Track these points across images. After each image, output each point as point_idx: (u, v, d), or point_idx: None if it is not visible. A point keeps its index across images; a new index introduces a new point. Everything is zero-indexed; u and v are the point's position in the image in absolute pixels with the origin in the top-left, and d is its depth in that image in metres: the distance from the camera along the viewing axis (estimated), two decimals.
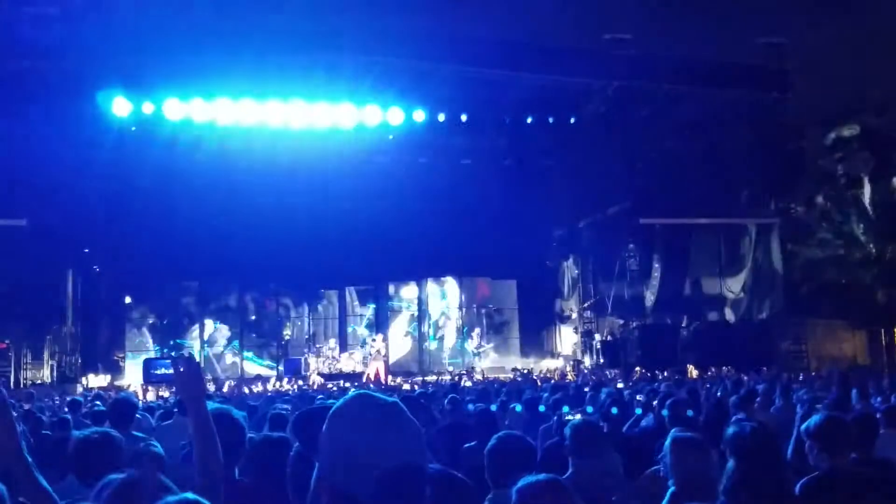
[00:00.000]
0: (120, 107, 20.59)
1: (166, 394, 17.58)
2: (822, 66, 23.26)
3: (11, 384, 20.01)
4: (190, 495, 2.09)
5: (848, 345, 25.11)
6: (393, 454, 1.56)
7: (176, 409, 8.45)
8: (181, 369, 2.76)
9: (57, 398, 15.13)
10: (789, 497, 3.40)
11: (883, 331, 24.95)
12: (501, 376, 21.95)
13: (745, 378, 14.75)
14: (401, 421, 1.62)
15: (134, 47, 19.54)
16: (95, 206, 22.26)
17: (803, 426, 4.29)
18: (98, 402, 10.28)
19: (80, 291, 23.29)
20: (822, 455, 4.05)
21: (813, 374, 16.13)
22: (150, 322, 25.97)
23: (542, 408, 7.97)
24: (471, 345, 25.40)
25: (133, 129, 21.30)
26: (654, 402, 7.85)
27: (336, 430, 1.59)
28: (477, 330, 25.83)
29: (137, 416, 7.19)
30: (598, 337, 26.12)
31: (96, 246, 23.88)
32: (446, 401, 7.65)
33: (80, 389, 19.75)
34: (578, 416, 5.56)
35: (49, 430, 8.10)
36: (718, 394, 10.65)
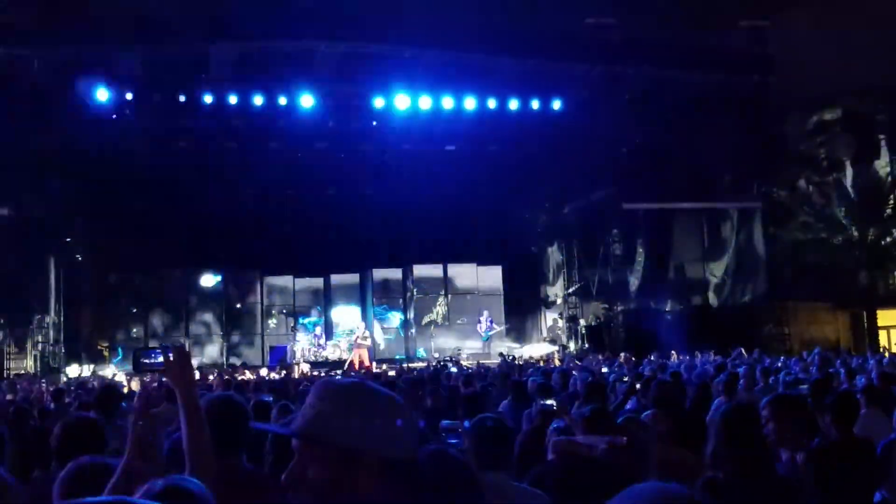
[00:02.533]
0: (100, 94, 20.40)
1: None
2: (804, 50, 23.32)
3: None
4: (179, 477, 2.11)
5: (830, 327, 25.34)
6: (416, 422, 1.86)
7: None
8: (171, 358, 2.81)
9: (43, 384, 15.07)
10: (767, 471, 3.49)
11: (865, 313, 25.22)
12: (487, 362, 22.00)
13: (727, 361, 14.88)
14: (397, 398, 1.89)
15: (115, 34, 19.36)
16: (77, 194, 22.11)
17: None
18: (81, 391, 10.26)
19: (63, 280, 23.12)
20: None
21: (794, 357, 16.26)
22: (134, 311, 25.84)
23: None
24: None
25: (114, 116, 21.10)
26: (638, 386, 7.93)
27: (374, 408, 1.78)
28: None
29: (123, 404, 7.19)
30: (582, 322, 26.25)
31: (78, 234, 23.73)
32: (426, 387, 7.68)
33: (64, 379, 19.66)
34: (551, 402, 5.59)
35: (34, 419, 8.06)
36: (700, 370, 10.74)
